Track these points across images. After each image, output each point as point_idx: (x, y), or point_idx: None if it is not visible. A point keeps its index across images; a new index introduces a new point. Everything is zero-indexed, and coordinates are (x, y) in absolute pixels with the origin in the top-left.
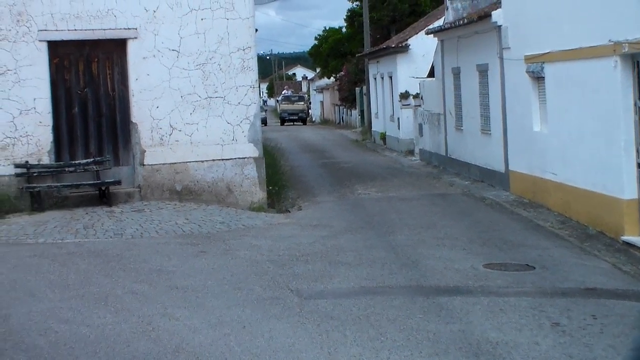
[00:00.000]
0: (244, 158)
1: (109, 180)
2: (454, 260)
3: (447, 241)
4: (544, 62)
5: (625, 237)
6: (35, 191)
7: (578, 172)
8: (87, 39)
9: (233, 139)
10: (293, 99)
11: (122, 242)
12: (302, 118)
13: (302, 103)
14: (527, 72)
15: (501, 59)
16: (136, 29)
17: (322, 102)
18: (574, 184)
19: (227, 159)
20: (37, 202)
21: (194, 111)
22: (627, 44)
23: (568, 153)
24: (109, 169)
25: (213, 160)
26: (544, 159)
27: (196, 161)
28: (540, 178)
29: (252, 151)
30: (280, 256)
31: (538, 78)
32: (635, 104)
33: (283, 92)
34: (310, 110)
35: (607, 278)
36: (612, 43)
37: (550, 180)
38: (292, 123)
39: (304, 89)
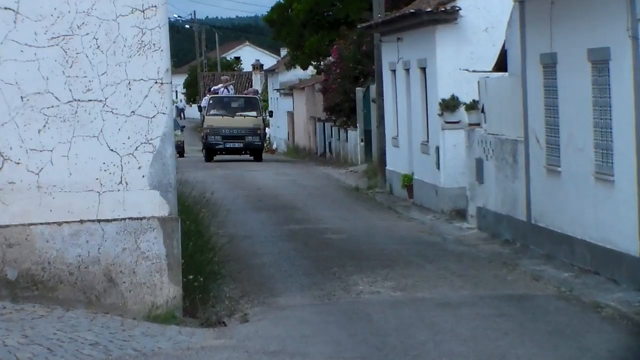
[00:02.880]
0: (141, 219)
1: None
2: None
3: None
4: None
5: None
6: None
7: None
8: None
9: (120, 181)
10: (235, 104)
11: None
12: (255, 147)
13: (255, 114)
14: None
15: (635, 38)
16: None
17: (290, 114)
18: None
19: (107, 220)
20: None
21: (46, 126)
22: None
23: None
24: None
25: (81, 221)
26: None
27: (48, 223)
28: None
29: (157, 205)
30: None
31: None
32: None
33: (214, 89)
34: (268, 130)
35: None
36: None
37: None
38: (234, 155)
39: (256, 86)
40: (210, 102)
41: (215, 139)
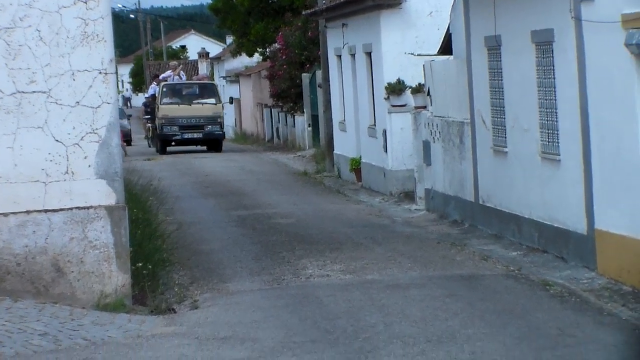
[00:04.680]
0: (88, 208)
1: None
2: None
3: None
4: None
5: None
6: None
7: None
8: None
9: (66, 171)
10: (190, 91)
11: None
12: (215, 137)
13: (214, 101)
14: (627, 45)
15: (578, 19)
16: None
17: (237, 101)
18: None
19: (54, 210)
20: None
21: None
22: None
23: None
24: None
25: (27, 212)
26: None
27: None
28: None
29: (104, 194)
30: None
31: None
32: None
33: (163, 77)
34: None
35: None
36: None
37: None
38: (191, 146)
39: (203, 74)
40: (164, 89)
41: (171, 130)
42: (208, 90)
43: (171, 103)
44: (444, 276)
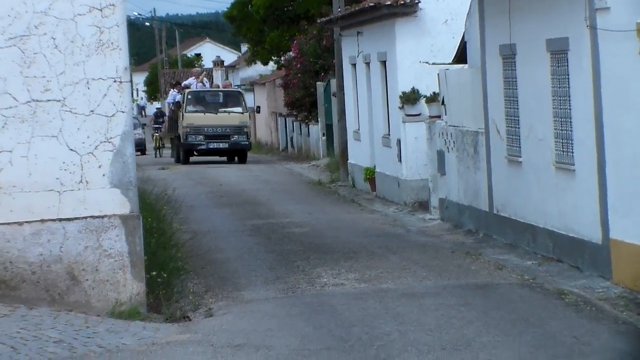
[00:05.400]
0: (102, 217)
1: None
2: None
3: None
4: None
5: None
6: None
7: None
8: None
9: (81, 180)
10: (215, 99)
11: None
12: (242, 147)
13: (240, 110)
14: None
15: (593, 28)
16: None
17: (252, 110)
18: None
19: (68, 219)
20: None
21: (5, 127)
22: None
23: None
24: None
25: (41, 221)
26: None
27: (8, 223)
28: None
29: (119, 203)
30: None
31: None
32: None
33: (186, 84)
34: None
35: None
36: None
37: None
38: (215, 157)
39: (217, 82)
40: (188, 97)
41: (197, 139)
42: (234, 98)
43: (196, 111)
44: (459, 285)
